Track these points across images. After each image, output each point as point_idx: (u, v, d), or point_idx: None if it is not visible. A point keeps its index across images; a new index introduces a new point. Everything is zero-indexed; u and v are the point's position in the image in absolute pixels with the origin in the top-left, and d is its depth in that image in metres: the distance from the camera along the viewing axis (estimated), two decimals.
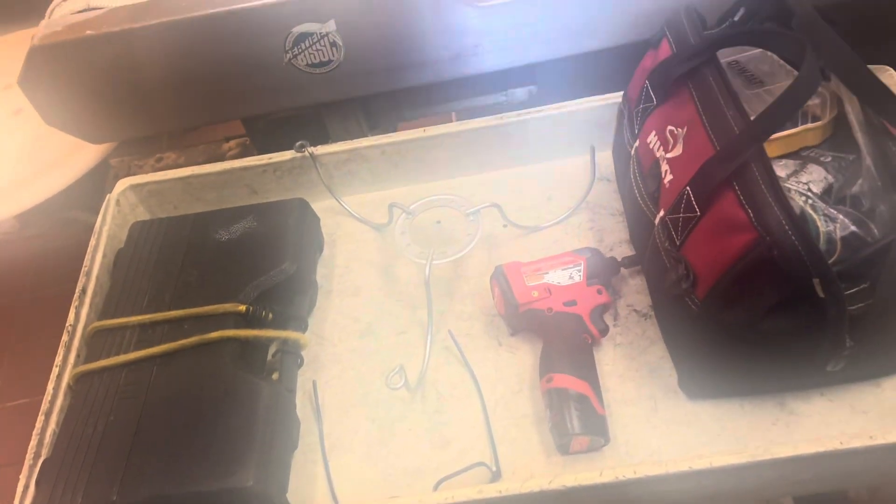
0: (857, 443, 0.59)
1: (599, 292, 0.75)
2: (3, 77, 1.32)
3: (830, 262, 0.59)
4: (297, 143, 0.90)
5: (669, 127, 0.68)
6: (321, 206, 0.94)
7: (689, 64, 0.67)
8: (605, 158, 0.91)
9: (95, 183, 1.41)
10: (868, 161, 0.58)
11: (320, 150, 0.92)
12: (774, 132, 0.57)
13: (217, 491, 0.62)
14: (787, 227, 0.55)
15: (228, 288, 0.76)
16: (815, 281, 0.56)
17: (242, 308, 0.74)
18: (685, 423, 0.69)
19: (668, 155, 0.67)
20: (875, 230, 0.58)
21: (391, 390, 0.75)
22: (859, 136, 0.59)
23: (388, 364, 0.78)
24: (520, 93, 1.12)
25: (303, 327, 0.79)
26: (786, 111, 0.57)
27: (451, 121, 1.24)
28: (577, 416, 0.66)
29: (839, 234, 0.59)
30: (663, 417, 0.70)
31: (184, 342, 0.72)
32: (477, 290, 0.83)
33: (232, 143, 1.44)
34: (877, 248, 0.58)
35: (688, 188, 0.63)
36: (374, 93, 1.00)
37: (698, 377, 0.69)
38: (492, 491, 0.61)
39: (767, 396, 0.69)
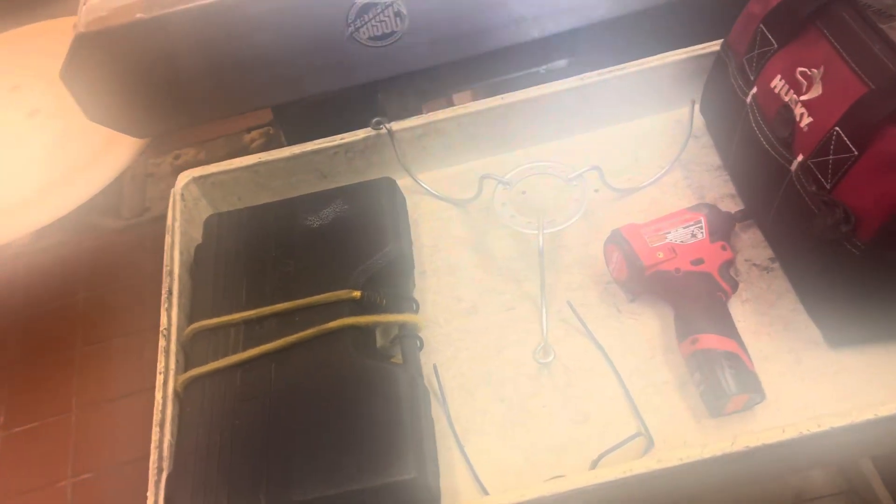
0: None
1: (724, 248, 0.73)
2: (8, 77, 1.23)
3: None
4: (374, 121, 0.86)
5: (800, 69, 0.65)
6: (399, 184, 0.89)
7: (813, 3, 0.64)
8: (685, 115, 0.88)
9: (112, 185, 1.33)
10: None
11: (397, 125, 0.87)
12: None
13: (378, 487, 0.57)
14: None
15: (335, 275, 0.71)
16: None
17: (357, 294, 0.69)
18: (833, 374, 0.67)
19: (804, 97, 0.65)
20: None
21: (538, 364, 0.72)
22: None
23: (502, 343, 0.75)
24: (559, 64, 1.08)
25: (415, 308, 0.74)
26: None
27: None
28: (731, 376, 0.64)
29: None
30: (808, 369, 0.68)
31: (302, 334, 0.67)
32: (581, 259, 0.80)
33: (254, 133, 1.38)
34: None
35: (837, 128, 0.60)
36: (433, 65, 0.95)
37: (847, 325, 0.66)
38: (672, 459, 0.58)
39: None
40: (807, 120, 0.64)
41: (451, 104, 0.97)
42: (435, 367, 0.73)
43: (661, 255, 0.71)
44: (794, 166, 0.66)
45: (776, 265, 0.75)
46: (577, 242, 0.81)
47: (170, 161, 1.40)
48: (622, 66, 0.87)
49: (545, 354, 0.71)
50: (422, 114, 1.00)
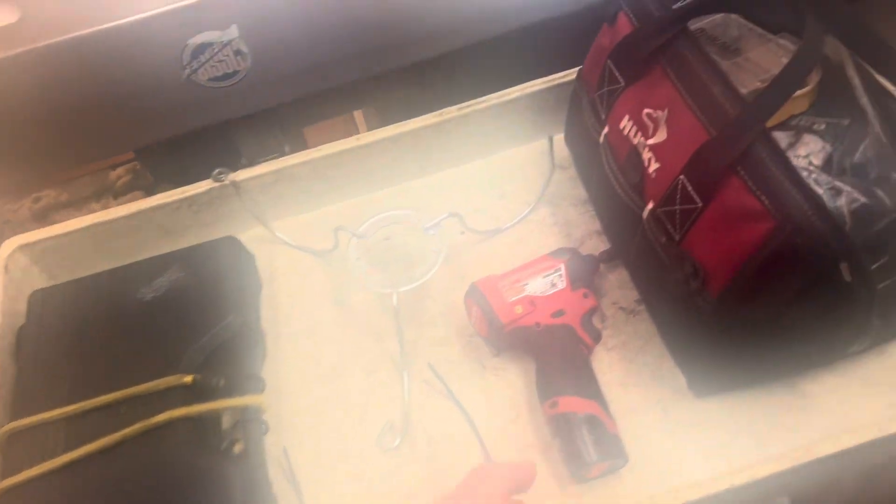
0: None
1: (586, 296, 0.69)
2: None
3: None
4: (215, 172, 0.79)
5: (646, 110, 0.62)
6: (250, 236, 0.83)
7: (657, 39, 0.61)
8: (556, 143, 0.84)
9: None
10: (876, 126, 0.54)
11: (242, 174, 0.81)
12: (778, 109, 0.52)
13: None
14: (808, 211, 0.50)
15: (167, 356, 0.65)
16: (843, 265, 0.52)
17: (189, 379, 0.63)
18: (699, 424, 0.64)
19: (650, 141, 0.61)
20: (886, 199, 0.54)
21: (381, 449, 0.66)
22: (864, 100, 0.55)
23: (362, 411, 0.69)
24: None
25: (260, 387, 0.68)
26: (790, 84, 0.52)
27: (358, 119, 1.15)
28: (591, 442, 0.60)
29: (847, 207, 0.55)
30: (675, 421, 0.65)
31: (125, 432, 0.60)
32: (445, 309, 0.75)
33: (120, 170, 1.28)
34: (893, 220, 0.54)
35: (682, 177, 0.57)
36: (288, 101, 0.89)
37: (708, 375, 0.64)
38: None
39: (777, 382, 0.65)
40: (654, 165, 0.61)
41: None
42: (285, 450, 0.67)
43: (519, 310, 0.67)
44: (645, 214, 0.63)
45: (642, 307, 0.72)
46: (440, 291, 0.76)
47: (28, 205, 1.29)
48: (482, 99, 0.82)
49: (391, 439, 0.66)
50: (285, 152, 0.94)
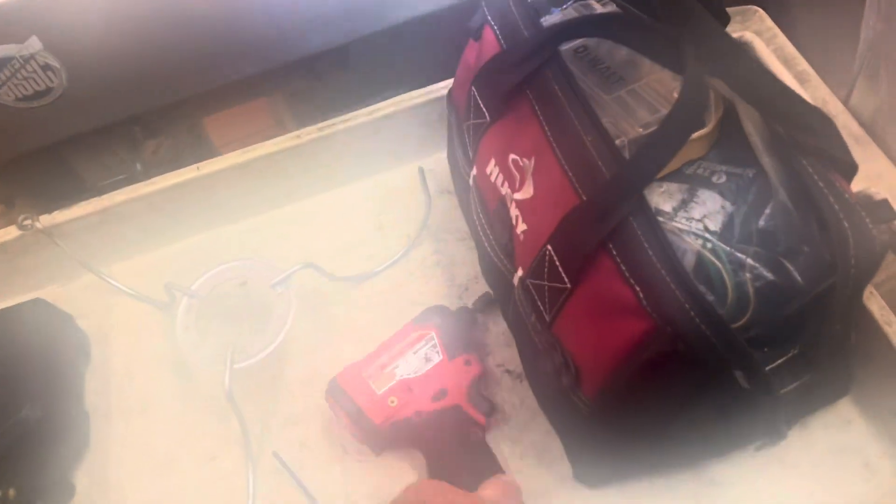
0: None
1: (468, 363, 0.58)
2: None
3: (743, 322, 0.45)
4: (21, 218, 0.65)
5: (512, 156, 0.50)
6: (79, 286, 0.70)
7: (524, 68, 0.48)
8: (440, 163, 0.72)
9: None
10: (781, 193, 0.42)
11: (59, 217, 0.67)
12: (660, 171, 0.40)
13: None
14: (690, 311, 0.39)
15: None
16: (738, 374, 0.41)
17: None
18: None
19: (517, 196, 0.49)
20: (797, 275, 0.43)
21: None
22: (765, 159, 0.43)
23: None
24: None
25: (67, 494, 0.57)
26: (671, 145, 0.39)
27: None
28: None
29: (752, 284, 0.44)
30: None
31: None
32: (304, 377, 0.63)
33: None
34: (805, 303, 0.43)
35: (549, 247, 0.45)
36: (124, 118, 0.75)
37: (596, 466, 0.53)
38: None
39: (680, 469, 0.55)
40: (521, 226, 0.49)
41: None
42: None
43: (393, 402, 0.55)
44: (515, 280, 0.51)
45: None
46: (298, 354, 0.64)
47: None
48: (348, 116, 0.69)
49: None
50: (136, 171, 0.81)
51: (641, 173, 0.40)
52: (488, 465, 0.54)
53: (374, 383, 0.56)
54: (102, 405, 0.64)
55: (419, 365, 0.57)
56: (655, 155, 0.39)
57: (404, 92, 0.70)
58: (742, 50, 0.42)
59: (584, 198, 0.43)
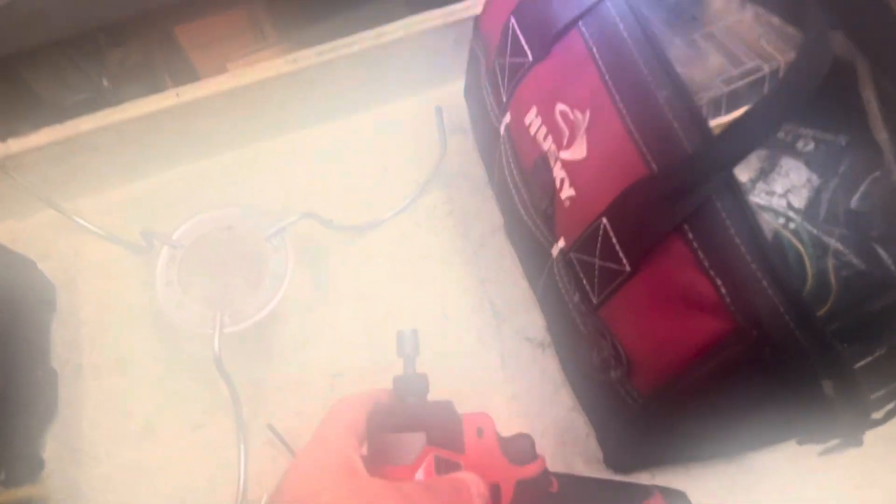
0: None
1: (479, 432, 0.41)
2: None
3: (821, 314, 0.39)
4: None
5: (561, 106, 0.42)
6: (37, 222, 0.62)
7: (578, 5, 0.40)
8: (454, 96, 0.63)
9: None
10: (895, 171, 0.36)
11: (14, 146, 0.58)
12: (759, 146, 0.33)
13: None
14: (784, 315, 0.33)
15: None
16: (826, 382, 0.35)
17: None
18: None
19: (564, 155, 0.42)
20: (890, 265, 0.37)
21: None
22: (883, 136, 0.36)
23: (184, 484, 0.53)
24: None
25: (35, 468, 0.50)
26: (778, 117, 0.32)
27: None
28: None
29: (835, 273, 0.38)
30: None
31: None
32: (300, 338, 0.57)
33: None
34: None
35: (604, 220, 0.39)
36: (85, 29, 0.64)
37: (631, 456, 0.49)
38: None
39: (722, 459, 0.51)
40: (568, 191, 0.42)
41: None
42: None
43: None
44: (554, 251, 0.44)
45: (552, 342, 0.55)
46: (294, 313, 0.58)
47: None
48: (351, 39, 0.60)
49: None
50: (104, 87, 0.71)
51: (736, 148, 0.33)
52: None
53: None
54: (73, 359, 0.57)
55: None
56: (757, 129, 0.32)
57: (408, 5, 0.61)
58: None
59: (655, 168, 0.36)
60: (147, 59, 0.82)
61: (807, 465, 0.50)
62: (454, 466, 0.38)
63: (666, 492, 0.46)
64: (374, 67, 0.61)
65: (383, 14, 0.77)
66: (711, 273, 0.34)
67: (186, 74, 0.84)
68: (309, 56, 0.59)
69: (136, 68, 0.80)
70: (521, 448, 0.43)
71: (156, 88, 0.75)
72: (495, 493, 0.41)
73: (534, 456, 0.43)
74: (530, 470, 0.43)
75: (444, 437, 0.39)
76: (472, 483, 0.35)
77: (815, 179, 0.39)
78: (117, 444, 0.54)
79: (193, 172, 0.64)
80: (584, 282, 0.41)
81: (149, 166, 0.63)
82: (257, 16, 0.98)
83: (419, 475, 0.37)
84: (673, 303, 0.36)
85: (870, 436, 0.50)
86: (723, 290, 0.34)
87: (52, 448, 0.54)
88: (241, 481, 0.51)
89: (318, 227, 0.58)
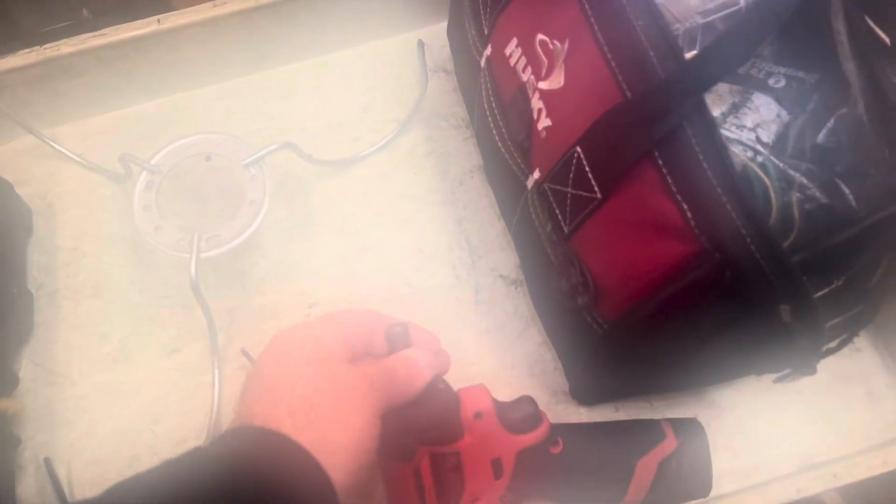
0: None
1: (478, 416, 0.42)
2: None
3: (786, 244, 0.40)
4: None
5: (540, 36, 0.42)
6: (16, 148, 0.62)
7: None
8: (437, 36, 0.63)
9: None
10: (860, 104, 0.36)
11: None
12: (728, 74, 0.34)
13: None
14: (747, 239, 0.34)
15: None
16: (784, 307, 0.37)
17: None
18: None
19: (542, 85, 0.42)
20: (852, 200, 0.38)
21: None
22: (849, 65, 0.37)
23: (162, 403, 0.54)
24: None
25: (9, 383, 0.51)
26: (751, 42, 0.33)
27: None
28: None
29: (799, 207, 0.39)
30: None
31: None
32: (277, 268, 0.58)
33: None
34: (858, 232, 0.38)
35: (578, 149, 0.39)
36: None
37: (597, 388, 0.50)
38: None
39: (685, 391, 0.52)
40: (545, 121, 0.42)
41: None
42: (48, 462, 0.51)
43: None
44: (529, 183, 0.45)
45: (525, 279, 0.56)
46: (271, 242, 0.58)
47: None
48: None
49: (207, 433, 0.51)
50: (83, 17, 0.70)
51: (708, 74, 0.34)
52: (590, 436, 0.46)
53: None
54: (48, 283, 0.58)
55: (453, 482, 0.43)
56: (729, 54, 0.33)
57: None
58: None
59: (630, 95, 0.37)
60: None
61: (765, 402, 0.52)
62: (452, 456, 0.41)
63: (676, 423, 0.45)
64: (358, 3, 0.61)
65: None
66: (679, 198, 0.35)
67: (163, 10, 0.83)
68: None
69: (115, 2, 0.79)
70: (522, 414, 0.43)
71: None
72: (496, 466, 0.42)
73: (537, 420, 0.43)
74: (532, 437, 0.43)
75: (440, 435, 0.41)
76: (420, 357, 0.38)
77: (785, 115, 0.40)
78: (92, 365, 0.55)
79: (173, 103, 0.64)
80: (557, 211, 0.42)
81: (128, 95, 0.63)
82: None
83: (419, 471, 0.42)
84: (640, 228, 0.37)
85: (822, 376, 0.52)
86: (689, 215, 0.35)
87: (27, 368, 0.54)
88: (215, 404, 0.52)
89: (298, 161, 0.59)
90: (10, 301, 0.53)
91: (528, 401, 0.43)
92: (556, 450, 0.43)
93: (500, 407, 0.43)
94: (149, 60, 0.60)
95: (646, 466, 0.43)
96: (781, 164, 0.39)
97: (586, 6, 0.39)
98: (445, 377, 0.41)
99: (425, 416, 0.40)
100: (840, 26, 0.36)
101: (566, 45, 0.41)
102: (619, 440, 0.45)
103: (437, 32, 0.64)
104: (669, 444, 0.44)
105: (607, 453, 0.45)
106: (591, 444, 0.45)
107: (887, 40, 0.36)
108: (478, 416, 0.42)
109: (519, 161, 0.46)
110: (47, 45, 0.58)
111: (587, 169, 0.39)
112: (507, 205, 0.52)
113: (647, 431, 0.45)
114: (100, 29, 0.71)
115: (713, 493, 0.47)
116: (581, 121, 0.39)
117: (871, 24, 0.36)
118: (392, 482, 0.43)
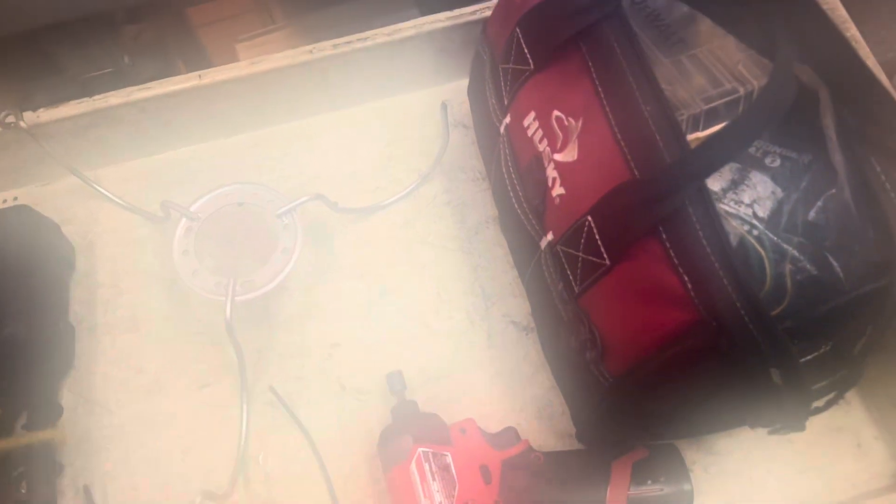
0: None
1: (463, 430, 0.53)
2: None
3: (776, 313, 0.44)
4: (3, 114, 0.60)
5: (557, 112, 0.46)
6: (61, 189, 0.66)
7: (582, 18, 0.44)
8: (456, 92, 0.68)
9: None
10: (846, 191, 0.40)
11: (44, 116, 0.62)
12: (728, 161, 0.38)
13: None
14: (740, 309, 0.38)
15: None
16: (774, 371, 0.40)
17: None
18: None
19: (557, 157, 0.46)
20: (840, 273, 0.42)
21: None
22: (837, 157, 0.41)
23: (193, 435, 0.57)
24: None
25: (54, 413, 0.55)
26: (747, 137, 0.37)
27: None
28: None
29: (791, 277, 0.43)
30: None
31: None
32: (304, 310, 0.61)
33: None
34: (844, 302, 0.42)
35: (589, 218, 0.43)
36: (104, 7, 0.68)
37: (602, 433, 0.53)
38: None
39: (685, 439, 0.56)
40: (559, 189, 0.46)
41: None
42: (87, 489, 0.55)
43: None
44: (543, 244, 0.49)
45: (534, 326, 0.60)
46: (299, 286, 0.62)
47: None
48: (365, 35, 0.64)
49: (236, 467, 0.54)
50: (124, 64, 0.75)
51: (710, 161, 0.38)
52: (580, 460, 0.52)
53: None
54: (88, 318, 0.62)
55: (446, 481, 0.50)
56: (729, 145, 0.37)
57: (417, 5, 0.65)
58: (837, 32, 0.39)
59: (637, 174, 0.41)
60: (159, 38, 0.85)
61: (759, 451, 0.55)
62: (442, 457, 0.50)
63: (652, 446, 0.52)
64: (385, 62, 0.65)
65: (390, 6, 0.81)
66: (680, 270, 0.39)
67: (195, 53, 0.88)
68: (325, 48, 0.63)
69: (149, 45, 0.84)
70: (504, 437, 0.53)
71: (167, 65, 0.80)
72: (485, 472, 0.51)
73: (516, 438, 0.53)
74: (514, 450, 0.52)
75: (432, 436, 0.51)
76: None
77: (779, 192, 0.44)
78: (128, 396, 0.59)
79: (209, 150, 0.68)
80: (568, 272, 0.46)
81: (167, 142, 0.67)
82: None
83: (412, 467, 0.50)
84: (645, 295, 0.41)
85: (814, 427, 0.55)
86: (689, 286, 0.39)
87: (67, 398, 0.58)
88: (243, 436, 0.55)
89: (325, 209, 0.63)
90: (54, 336, 0.57)
91: (510, 428, 0.54)
92: (539, 461, 0.51)
93: (486, 433, 0.53)
94: (189, 112, 0.64)
95: (621, 467, 0.50)
96: (776, 238, 0.43)
97: (600, 89, 0.44)
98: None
99: (420, 424, 0.52)
100: (829, 122, 0.40)
101: (580, 123, 0.45)
102: (594, 452, 0.53)
103: (457, 89, 0.68)
104: (641, 452, 0.51)
105: (584, 459, 0.52)
106: (569, 456, 0.53)
107: (870, 135, 0.40)
108: (462, 431, 0.52)
109: (534, 222, 0.49)
110: (97, 97, 0.62)
111: (597, 237, 0.43)
112: (520, 259, 0.56)
113: (619, 445, 0.52)
114: (138, 73, 0.76)
115: None
116: (592, 192, 0.43)
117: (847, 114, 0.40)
118: (394, 487, 0.50)
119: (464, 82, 0.66)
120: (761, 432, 0.55)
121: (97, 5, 0.68)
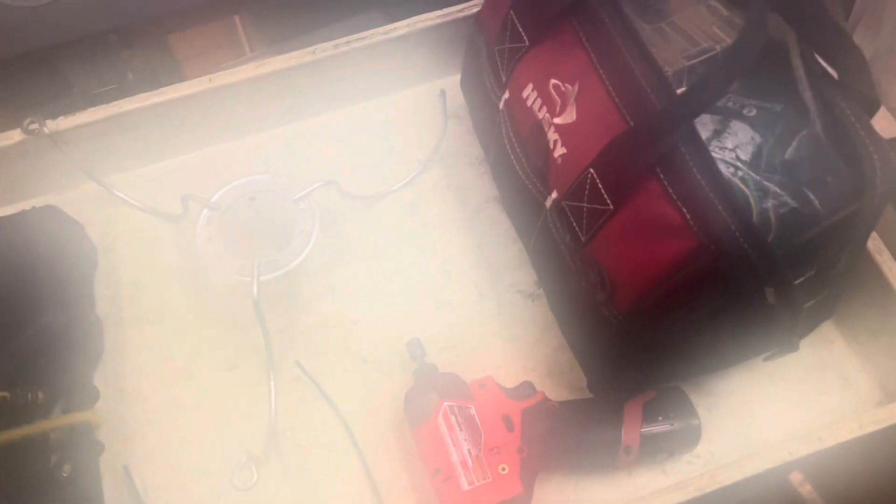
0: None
1: (483, 385, 0.56)
2: None
3: None
4: (27, 122, 0.63)
5: (553, 81, 0.51)
6: (80, 194, 0.69)
7: None
8: (449, 87, 0.73)
9: None
10: (817, 125, 0.46)
11: (63, 123, 0.65)
12: (712, 104, 0.43)
13: None
14: (735, 231, 0.42)
15: None
16: (768, 290, 0.45)
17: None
18: None
19: (557, 120, 0.51)
20: (818, 205, 0.47)
21: (236, 485, 0.57)
22: (807, 94, 0.46)
23: (224, 414, 0.60)
24: None
25: (91, 398, 0.57)
26: (728, 78, 0.42)
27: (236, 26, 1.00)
28: None
29: (774, 212, 0.48)
30: None
31: None
32: (321, 291, 0.65)
33: None
34: (823, 229, 0.47)
35: (591, 170, 0.48)
36: (124, 25, 0.72)
37: (611, 379, 0.58)
38: None
39: (687, 381, 0.60)
40: (560, 150, 0.51)
41: None
42: (126, 469, 0.57)
43: (504, 469, 0.52)
44: (548, 203, 0.53)
45: (541, 292, 0.64)
46: (315, 269, 0.66)
47: None
48: (363, 35, 0.69)
49: (246, 478, 0.57)
50: (128, 80, 0.78)
51: (697, 103, 0.43)
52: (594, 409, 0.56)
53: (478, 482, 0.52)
54: (113, 313, 0.64)
55: (472, 431, 0.54)
56: (712, 87, 0.42)
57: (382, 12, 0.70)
58: None
59: (632, 124, 0.46)
60: (149, 63, 0.89)
61: (756, 391, 0.60)
62: (466, 409, 0.54)
63: (659, 388, 0.56)
64: (382, 59, 0.70)
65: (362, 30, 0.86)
66: (678, 203, 0.44)
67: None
68: (327, 48, 0.68)
69: (140, 67, 0.88)
70: (521, 390, 0.57)
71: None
72: (507, 421, 0.54)
73: (533, 390, 0.57)
74: (532, 401, 0.56)
75: (455, 392, 0.55)
76: None
77: (758, 137, 0.49)
78: (160, 383, 0.61)
79: (220, 152, 0.72)
80: (574, 224, 0.50)
81: (180, 145, 0.70)
82: (245, 29, 1.08)
83: (440, 419, 0.53)
84: (648, 230, 0.45)
85: (802, 365, 0.60)
86: (687, 216, 0.43)
87: (100, 388, 0.61)
88: (273, 413, 0.58)
89: (335, 197, 0.67)
90: (87, 327, 0.59)
91: (526, 382, 0.57)
92: (556, 408, 0.55)
93: (503, 387, 0.56)
94: (199, 114, 0.68)
95: (633, 407, 0.55)
96: (758, 177, 0.48)
97: (592, 55, 0.49)
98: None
99: (442, 382, 0.56)
100: (797, 63, 0.46)
101: (576, 87, 0.50)
102: (607, 397, 0.57)
103: (448, 83, 0.73)
104: (650, 394, 0.56)
105: (598, 404, 0.57)
106: (583, 402, 0.57)
107: (835, 75, 0.46)
108: (482, 385, 0.56)
109: (538, 184, 0.54)
110: (112, 104, 0.66)
111: (600, 186, 0.47)
112: (525, 225, 0.60)
113: (629, 390, 0.56)
114: (140, 89, 0.79)
115: (714, 463, 0.55)
116: (592, 147, 0.48)
117: (822, 61, 0.46)
118: (423, 441, 0.54)
119: (455, 77, 0.71)
120: (756, 374, 0.60)
121: (95, 27, 0.72)
